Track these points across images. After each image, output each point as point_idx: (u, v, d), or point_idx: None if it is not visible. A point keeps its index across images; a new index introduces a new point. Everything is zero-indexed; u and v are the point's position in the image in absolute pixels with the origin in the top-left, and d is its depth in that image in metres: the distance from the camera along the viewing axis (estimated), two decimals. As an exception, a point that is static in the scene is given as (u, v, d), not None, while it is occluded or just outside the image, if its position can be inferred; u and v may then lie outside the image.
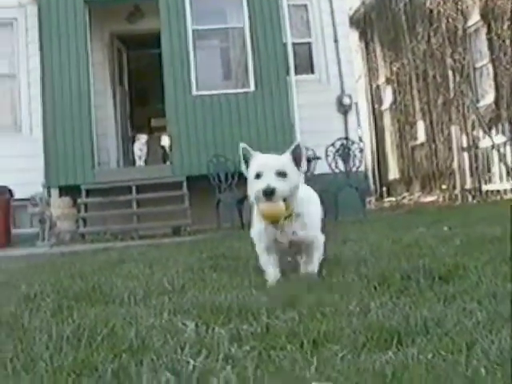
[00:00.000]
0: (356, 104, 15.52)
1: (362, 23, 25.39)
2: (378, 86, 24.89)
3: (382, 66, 24.22)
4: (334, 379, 1.88)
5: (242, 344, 2.36)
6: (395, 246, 5.53)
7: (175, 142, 13.37)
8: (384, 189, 24.21)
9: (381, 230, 8.14)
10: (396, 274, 3.62)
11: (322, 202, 4.34)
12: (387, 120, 24.08)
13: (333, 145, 12.82)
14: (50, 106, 13.21)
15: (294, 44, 14.43)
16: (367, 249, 5.39)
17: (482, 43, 17.57)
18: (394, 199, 22.05)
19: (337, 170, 12.68)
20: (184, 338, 2.51)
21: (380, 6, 23.77)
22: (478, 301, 2.78)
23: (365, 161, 15.45)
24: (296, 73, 14.28)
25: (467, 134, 17.16)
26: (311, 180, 12.04)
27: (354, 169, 12.77)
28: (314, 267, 4.05)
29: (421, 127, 21.21)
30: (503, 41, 16.34)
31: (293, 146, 3.87)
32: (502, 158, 14.83)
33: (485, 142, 15.80)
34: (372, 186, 23.52)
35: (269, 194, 3.66)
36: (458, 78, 18.81)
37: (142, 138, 14.61)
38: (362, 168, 13.79)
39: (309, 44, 15.25)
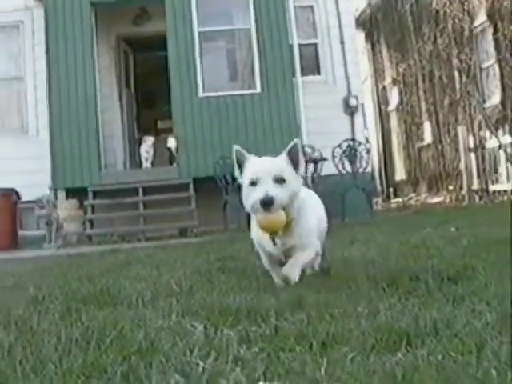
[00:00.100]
0: (362, 105, 15.52)
1: (368, 24, 25.38)
2: (384, 87, 24.87)
3: (388, 66, 24.21)
4: (344, 381, 1.87)
5: (250, 346, 2.36)
6: (403, 246, 5.52)
7: (182, 144, 13.38)
8: (391, 190, 24.19)
9: (388, 230, 8.13)
10: (404, 275, 3.61)
11: (326, 206, 4.16)
12: (394, 121, 24.06)
13: (339, 146, 12.82)
14: (57, 108, 13.23)
15: (300, 45, 14.46)
16: (375, 250, 5.39)
17: (488, 43, 17.53)
18: (400, 200, 22.03)
19: (343, 171, 12.68)
20: (193, 339, 2.50)
21: (386, 6, 23.76)
22: (487, 302, 2.77)
23: (371, 162, 15.42)
24: (302, 74, 14.31)
25: (474, 135, 17.12)
26: (318, 181, 12.08)
27: (360, 170, 12.77)
28: (294, 271, 3.63)
29: (427, 128, 21.18)
30: (510, 41, 16.30)
31: (289, 146, 3.59)
32: (509, 158, 14.79)
33: (491, 143, 15.75)
34: (379, 187, 23.54)
35: (267, 204, 3.37)
36: (464, 79, 18.77)
37: (149, 140, 14.62)
38: (369, 169, 13.79)
39: (315, 45, 15.24)
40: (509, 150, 14.95)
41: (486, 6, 17.30)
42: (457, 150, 18.04)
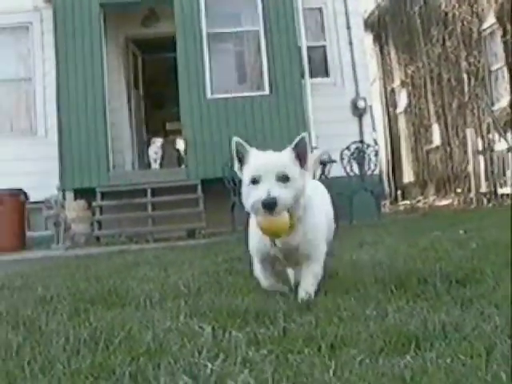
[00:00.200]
0: (371, 107, 15.50)
1: (376, 26, 25.36)
2: (392, 90, 24.85)
3: (397, 69, 24.18)
4: (353, 383, 1.87)
5: (259, 348, 2.36)
6: (411, 249, 5.51)
7: (190, 146, 13.38)
8: (399, 192, 24.15)
9: (396, 233, 8.12)
10: (413, 277, 3.60)
11: (334, 209, 3.93)
12: (402, 123, 24.03)
13: (348, 148, 12.81)
14: (65, 109, 13.26)
15: (308, 47, 14.42)
16: (383, 252, 5.38)
17: (497, 46, 17.51)
18: (408, 202, 22.00)
19: (352, 174, 12.68)
20: (201, 341, 2.50)
21: (394, 8, 23.74)
22: (496, 305, 2.76)
23: (380, 164, 15.41)
24: (311, 76, 14.28)
25: (482, 137, 17.07)
26: (326, 183, 12.07)
27: (368, 172, 12.76)
28: (310, 289, 3.33)
29: (436, 130, 21.15)
30: (519, 44, 16.29)
31: (296, 140, 3.23)
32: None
33: (500, 145, 15.71)
34: (387, 190, 23.52)
35: (270, 206, 3.04)
36: (472, 81, 18.74)
37: (158, 142, 14.64)
38: (377, 171, 13.76)
39: (323, 47, 15.22)
40: (517, 152, 14.92)
41: (495, 9, 17.27)
42: (465, 152, 18.00)
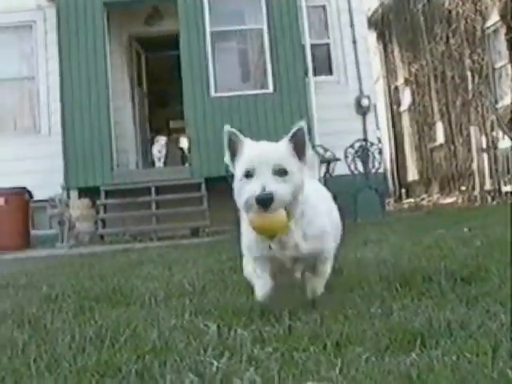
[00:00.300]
0: (375, 105, 15.50)
1: (380, 24, 25.32)
2: (396, 87, 24.82)
3: (401, 67, 24.15)
4: (359, 381, 1.87)
5: (264, 345, 2.36)
6: (416, 247, 5.51)
7: (194, 144, 13.38)
8: (403, 190, 24.13)
9: (401, 231, 8.11)
10: (417, 275, 3.60)
11: (339, 207, 3.53)
12: (406, 121, 24.00)
13: (352, 146, 12.81)
14: (69, 107, 13.27)
15: (312, 45, 14.42)
16: (388, 250, 5.38)
17: (501, 44, 17.47)
18: (412, 200, 21.97)
19: (356, 172, 12.68)
20: (206, 339, 2.50)
21: (398, 6, 23.70)
22: (501, 303, 2.76)
23: (384, 162, 15.40)
24: (314, 74, 14.27)
25: (486, 135, 17.03)
26: (330, 182, 12.07)
27: (372, 170, 12.76)
28: (318, 289, 3.13)
29: (439, 128, 21.12)
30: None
31: (293, 130, 2.86)
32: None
33: (504, 143, 15.68)
34: (391, 188, 23.50)
35: (265, 202, 2.67)
36: (476, 79, 18.71)
37: (161, 140, 14.65)
38: (381, 169, 13.77)
39: (327, 45, 15.22)
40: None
41: (499, 6, 17.24)
42: (469, 150, 17.97)
